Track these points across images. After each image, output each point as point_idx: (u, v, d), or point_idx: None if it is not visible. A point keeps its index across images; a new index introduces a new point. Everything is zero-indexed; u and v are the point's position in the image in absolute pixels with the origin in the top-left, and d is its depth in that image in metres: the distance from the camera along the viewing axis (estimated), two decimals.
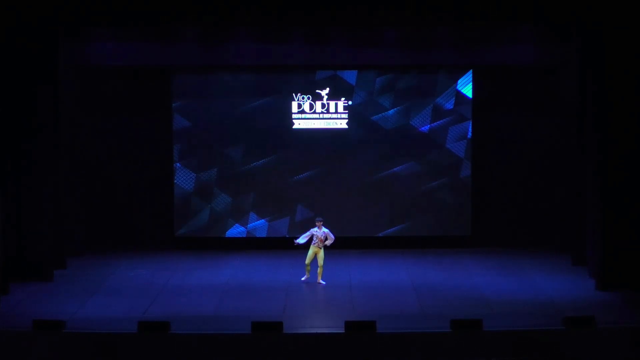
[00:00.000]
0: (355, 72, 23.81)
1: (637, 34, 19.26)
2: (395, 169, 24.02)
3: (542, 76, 23.63)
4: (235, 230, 24.14)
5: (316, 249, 20.42)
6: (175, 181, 24.01)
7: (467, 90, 23.79)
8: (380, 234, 24.02)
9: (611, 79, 19.47)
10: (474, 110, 23.86)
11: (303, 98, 23.81)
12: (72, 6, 19.76)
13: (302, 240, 20.72)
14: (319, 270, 20.42)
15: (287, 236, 24.02)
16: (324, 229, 20.52)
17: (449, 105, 23.85)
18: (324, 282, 20.42)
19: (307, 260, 20.50)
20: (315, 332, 16.61)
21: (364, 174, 24.05)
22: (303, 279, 20.59)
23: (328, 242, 20.52)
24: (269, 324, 16.13)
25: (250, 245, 24.06)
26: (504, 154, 24.01)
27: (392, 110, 23.91)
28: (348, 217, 23.51)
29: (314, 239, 20.46)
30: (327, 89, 23.78)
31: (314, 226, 20.62)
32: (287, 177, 24.07)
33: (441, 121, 23.89)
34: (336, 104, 23.83)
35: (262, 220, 24.11)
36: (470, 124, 23.86)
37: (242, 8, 19.95)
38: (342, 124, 23.91)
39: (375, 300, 19.28)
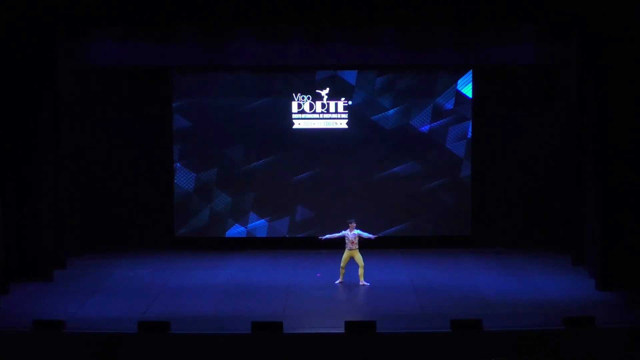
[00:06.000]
0: (355, 72, 23.81)
1: (637, 33, 19.26)
2: (395, 169, 24.03)
3: (542, 76, 23.63)
4: (235, 230, 24.14)
5: (351, 252, 20.25)
6: (175, 181, 24.01)
7: (467, 90, 23.80)
8: (380, 234, 24.00)
9: (611, 79, 19.48)
10: (474, 110, 23.86)
11: (303, 98, 23.81)
12: (72, 6, 19.78)
13: (329, 236, 20.48)
14: (360, 271, 20.18)
15: (287, 236, 24.08)
16: (356, 231, 20.34)
17: (449, 105, 23.85)
18: (367, 283, 20.20)
19: (343, 264, 20.28)
20: (315, 332, 16.61)
21: (364, 174, 24.05)
22: (337, 282, 20.37)
23: (366, 236, 20.29)
24: (269, 324, 16.16)
25: (250, 245, 24.06)
26: (504, 154, 24.01)
27: (392, 110, 23.92)
28: (348, 217, 23.47)
29: (346, 241, 20.29)
30: (327, 89, 23.79)
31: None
32: (287, 177, 24.07)
33: (441, 121, 23.90)
34: (336, 104, 23.83)
35: (262, 220, 24.12)
36: (470, 124, 23.87)
37: (242, 8, 19.95)
38: (342, 124, 23.91)
39: (375, 300, 19.28)
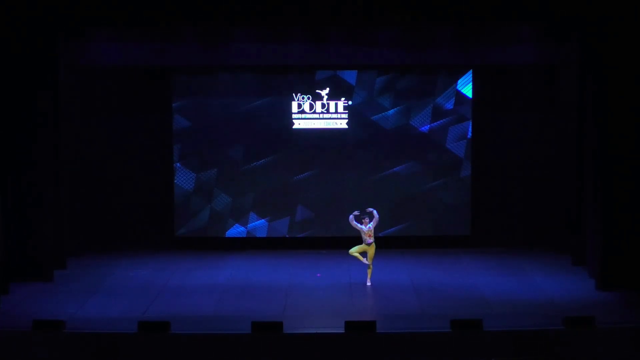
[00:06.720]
0: (355, 72, 23.80)
1: (637, 33, 19.26)
2: (395, 169, 24.02)
3: (542, 76, 23.63)
4: (235, 230, 24.13)
5: (368, 247, 20.14)
6: (175, 181, 24.00)
7: (467, 90, 23.79)
8: (380, 234, 23.99)
9: (611, 79, 19.47)
10: (474, 110, 23.85)
11: (303, 98, 23.81)
12: (72, 6, 19.77)
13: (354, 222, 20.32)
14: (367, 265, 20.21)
15: (287, 236, 24.07)
16: (370, 225, 20.22)
17: (449, 105, 23.85)
18: (369, 283, 20.22)
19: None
20: (315, 332, 16.60)
21: (364, 174, 24.03)
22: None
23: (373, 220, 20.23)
24: (269, 324, 16.15)
25: (250, 245, 24.05)
26: (504, 154, 24.00)
27: (392, 110, 23.92)
28: (348, 217, 23.46)
29: (362, 236, 20.14)
30: (327, 89, 23.78)
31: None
32: (287, 177, 24.05)
33: (441, 121, 23.89)
34: (336, 104, 23.83)
35: (262, 220, 24.11)
36: (470, 124, 23.86)
37: (242, 8, 19.95)
38: (342, 124, 23.91)
39: (375, 300, 19.28)
